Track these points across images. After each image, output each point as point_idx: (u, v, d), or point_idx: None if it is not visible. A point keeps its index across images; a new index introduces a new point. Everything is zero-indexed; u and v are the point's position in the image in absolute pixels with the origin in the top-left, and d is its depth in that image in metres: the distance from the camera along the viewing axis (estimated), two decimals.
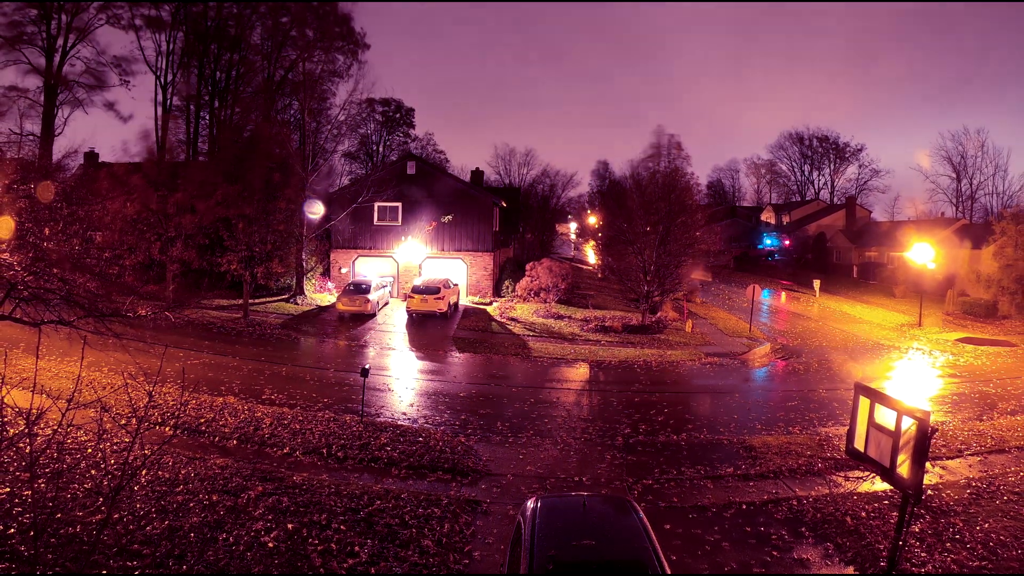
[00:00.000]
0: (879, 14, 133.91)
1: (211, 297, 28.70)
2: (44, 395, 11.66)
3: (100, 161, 34.22)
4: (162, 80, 40.34)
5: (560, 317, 29.11)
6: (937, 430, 9.65)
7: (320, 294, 32.40)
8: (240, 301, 26.85)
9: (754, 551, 8.65)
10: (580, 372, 20.22)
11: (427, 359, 21.07)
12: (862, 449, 7.56)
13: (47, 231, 9.95)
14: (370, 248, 34.39)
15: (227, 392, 15.22)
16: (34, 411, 6.22)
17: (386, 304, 30.74)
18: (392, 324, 26.63)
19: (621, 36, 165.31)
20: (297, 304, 29.82)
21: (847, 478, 11.25)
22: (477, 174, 46.42)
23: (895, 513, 9.09)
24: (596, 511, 6.68)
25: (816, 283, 43.28)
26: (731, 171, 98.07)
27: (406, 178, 34.05)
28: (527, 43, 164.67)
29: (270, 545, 8.06)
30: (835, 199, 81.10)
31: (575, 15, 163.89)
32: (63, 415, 6.54)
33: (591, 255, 59.38)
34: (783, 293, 45.42)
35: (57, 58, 35.67)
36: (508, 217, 44.97)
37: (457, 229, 34.17)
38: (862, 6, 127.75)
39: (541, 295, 31.18)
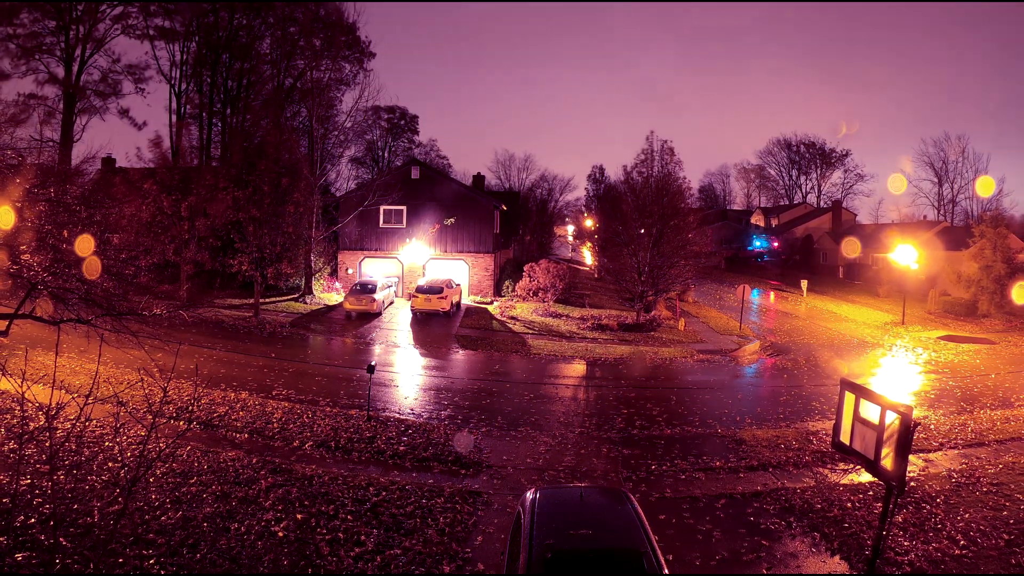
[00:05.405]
0: (866, 19, 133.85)
1: (223, 297, 29.14)
2: (63, 391, 11.97)
3: (117, 166, 34.62)
4: (176, 88, 40.86)
5: (558, 316, 29.47)
6: (919, 424, 9.92)
7: (328, 294, 32.86)
8: (251, 300, 27.29)
9: (744, 540, 8.89)
10: (577, 368, 20.54)
11: (431, 356, 21.41)
12: (848, 442, 7.81)
13: (66, 233, 10.30)
14: (376, 249, 34.82)
15: (239, 388, 15.52)
16: (54, 406, 6.47)
17: (391, 303, 31.09)
18: (397, 322, 26.99)
19: (620, 39, 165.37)
20: (306, 303, 30.26)
21: (833, 470, 11.49)
22: (478, 179, 46.86)
23: (879, 504, 9.28)
24: (593, 502, 6.85)
25: (803, 283, 43.57)
26: (722, 176, 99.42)
27: (410, 182, 34.52)
28: (527, 47, 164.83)
29: (280, 534, 8.31)
30: (822, 203, 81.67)
31: (573, 17, 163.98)
32: (81, 410, 6.82)
33: (588, 256, 59.50)
34: (772, 293, 45.62)
35: (75, 67, 36.14)
36: (508, 220, 45.29)
37: (459, 231, 34.59)
38: (848, 9, 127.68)
39: (540, 295, 31.49)
